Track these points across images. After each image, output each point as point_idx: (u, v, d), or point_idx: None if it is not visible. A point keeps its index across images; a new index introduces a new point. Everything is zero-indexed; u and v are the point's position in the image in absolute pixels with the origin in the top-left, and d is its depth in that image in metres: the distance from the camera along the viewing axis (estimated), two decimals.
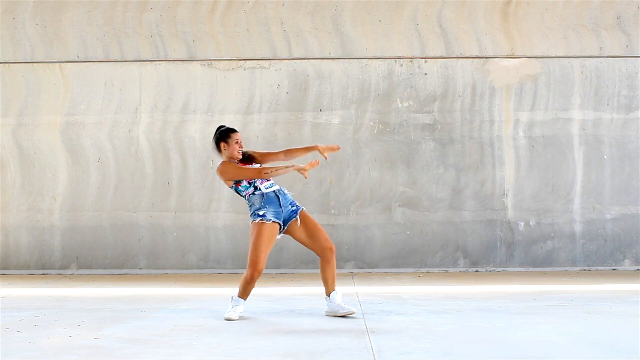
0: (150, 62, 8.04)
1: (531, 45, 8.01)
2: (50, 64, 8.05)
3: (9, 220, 8.02)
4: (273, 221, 4.91)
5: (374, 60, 8.03)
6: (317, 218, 7.93)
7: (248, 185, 4.99)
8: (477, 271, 7.87)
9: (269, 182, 5.00)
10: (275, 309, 5.40)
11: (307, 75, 8.02)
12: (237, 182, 5.00)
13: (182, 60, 8.05)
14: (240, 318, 4.97)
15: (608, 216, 7.95)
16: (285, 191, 5.09)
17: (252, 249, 4.87)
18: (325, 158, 5.17)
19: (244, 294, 5.01)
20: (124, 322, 4.82)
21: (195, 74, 8.04)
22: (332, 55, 8.02)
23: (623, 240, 7.94)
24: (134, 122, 8.03)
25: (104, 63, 8.06)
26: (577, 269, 7.91)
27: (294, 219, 5.01)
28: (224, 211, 7.97)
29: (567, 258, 7.93)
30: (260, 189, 4.97)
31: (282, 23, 8.02)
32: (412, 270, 7.90)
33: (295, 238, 5.10)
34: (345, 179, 7.97)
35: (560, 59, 8.01)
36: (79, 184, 8.02)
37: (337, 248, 7.88)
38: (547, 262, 7.92)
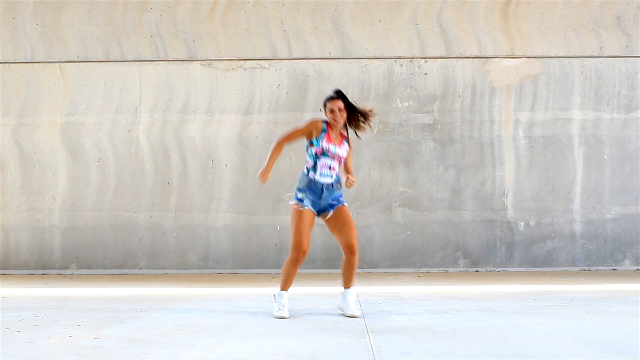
0: (150, 62, 8.05)
1: (531, 45, 8.01)
2: (50, 64, 8.05)
3: (9, 220, 8.02)
4: (309, 208, 4.95)
5: (374, 60, 8.03)
6: (316, 218, 7.94)
7: (314, 156, 4.97)
8: (477, 271, 7.87)
9: (327, 172, 4.97)
10: None
11: (307, 75, 8.02)
12: (311, 144, 4.98)
13: (182, 60, 8.05)
14: (239, 320, 4.97)
15: (608, 216, 7.95)
16: (338, 186, 5.02)
17: (294, 233, 4.91)
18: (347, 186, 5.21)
19: (285, 284, 5.00)
20: (124, 322, 4.82)
21: (195, 74, 8.04)
22: (332, 55, 8.02)
23: (623, 240, 7.94)
24: (134, 122, 8.03)
25: (104, 63, 8.06)
26: (577, 269, 7.91)
27: (328, 212, 5.00)
28: (224, 211, 7.97)
29: (567, 258, 7.93)
30: (316, 172, 4.96)
31: (282, 23, 8.02)
32: (412, 270, 7.90)
33: (328, 229, 5.11)
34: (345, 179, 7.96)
35: (560, 59, 8.01)
36: (79, 184, 8.02)
37: (337, 248, 7.88)
38: (547, 262, 7.92)
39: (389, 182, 7.98)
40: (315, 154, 4.96)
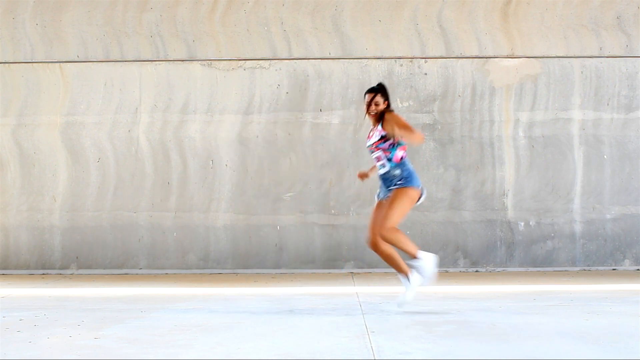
0: (150, 62, 8.05)
1: (531, 45, 8.01)
2: (50, 64, 8.05)
3: (9, 220, 8.02)
4: (379, 199, 5.30)
5: (374, 60, 8.03)
6: (317, 218, 7.95)
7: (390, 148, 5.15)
8: (477, 271, 7.87)
9: (381, 162, 5.18)
10: (275, 309, 5.40)
11: (307, 75, 8.02)
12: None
13: (182, 60, 8.05)
14: (239, 320, 4.96)
15: (608, 216, 7.95)
16: (395, 172, 5.14)
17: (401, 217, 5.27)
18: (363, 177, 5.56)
19: (411, 249, 5.27)
20: (124, 322, 4.82)
21: (195, 74, 8.04)
22: (332, 55, 8.02)
23: (623, 240, 7.94)
24: (134, 122, 8.03)
25: (104, 63, 8.06)
26: (577, 269, 7.91)
27: (385, 197, 5.26)
28: (224, 211, 7.97)
29: (567, 258, 7.93)
30: (381, 166, 5.21)
31: (282, 23, 8.02)
32: None
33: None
34: (345, 179, 7.97)
35: (560, 59, 8.01)
36: (79, 184, 8.02)
37: (337, 248, 7.89)
38: (547, 262, 7.92)
39: None
40: (391, 145, 5.17)
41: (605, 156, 7.99)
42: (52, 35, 8.05)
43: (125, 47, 8.05)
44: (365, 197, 7.95)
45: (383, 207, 5.26)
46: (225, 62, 8.05)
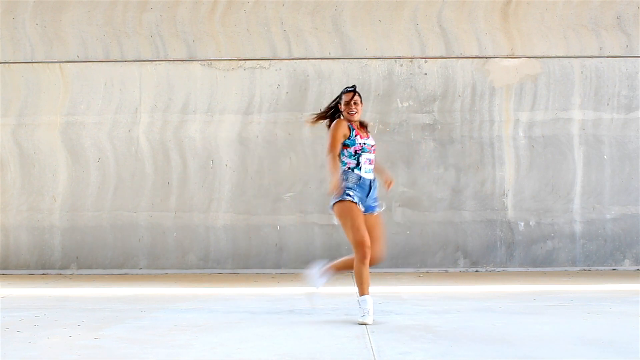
0: (150, 62, 8.04)
1: (531, 45, 8.01)
2: (50, 64, 8.05)
3: (9, 220, 8.02)
4: (359, 204, 4.80)
5: (374, 60, 8.03)
6: (317, 218, 7.96)
7: (354, 154, 4.85)
8: (477, 271, 7.87)
9: (369, 167, 4.87)
10: (275, 309, 5.40)
11: (307, 75, 8.02)
12: (345, 145, 4.86)
13: (182, 60, 8.05)
14: (239, 320, 4.96)
15: (608, 216, 7.95)
16: (376, 184, 4.95)
17: (353, 231, 4.71)
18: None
19: (363, 287, 4.71)
20: (124, 322, 4.82)
21: (195, 74, 8.04)
22: (332, 55, 8.02)
23: (623, 240, 7.94)
24: (134, 122, 8.03)
25: (104, 63, 8.06)
26: (577, 269, 7.91)
27: (370, 212, 4.85)
28: (224, 211, 7.97)
29: (567, 258, 7.93)
30: (360, 169, 4.83)
31: (282, 23, 8.02)
32: (412, 270, 7.90)
33: None
34: None
35: (560, 59, 8.01)
36: (79, 184, 8.02)
37: (337, 248, 7.89)
38: (547, 262, 7.92)
39: None
40: (355, 152, 4.85)
41: (605, 156, 7.99)
42: (52, 35, 8.04)
43: (125, 47, 8.05)
44: None
45: (375, 224, 4.87)
46: (225, 62, 8.05)
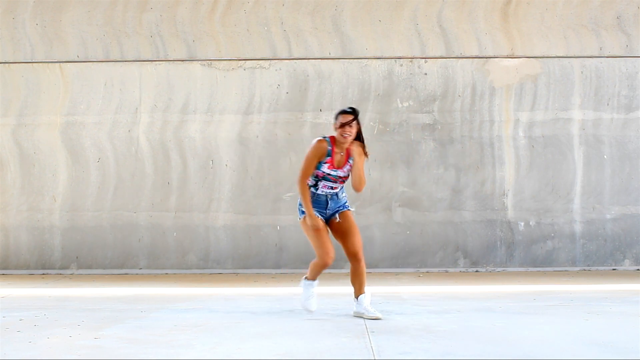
0: (150, 62, 8.04)
1: (531, 45, 8.01)
2: (50, 64, 8.05)
3: (9, 220, 8.02)
4: (318, 217, 4.90)
5: (374, 60, 8.03)
6: None
7: (316, 177, 4.87)
8: (477, 271, 7.87)
9: (329, 190, 4.88)
10: (275, 309, 5.41)
11: (307, 75, 8.02)
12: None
13: (182, 60, 8.05)
14: (239, 320, 4.96)
15: (608, 216, 7.95)
16: (341, 195, 4.97)
17: (316, 246, 4.91)
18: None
19: (313, 276, 5.08)
20: (124, 322, 4.82)
21: (195, 74, 8.04)
22: (332, 55, 8.02)
23: (623, 240, 7.94)
24: (134, 122, 8.03)
25: (104, 63, 8.06)
26: (577, 269, 7.91)
27: (334, 217, 4.95)
28: (224, 211, 7.97)
29: (567, 258, 7.93)
30: (317, 189, 4.90)
31: (282, 23, 8.02)
32: (412, 270, 7.90)
33: (332, 235, 5.03)
34: None
35: (560, 59, 8.01)
36: (79, 184, 8.02)
37: (337, 248, 7.86)
38: (547, 262, 7.92)
39: (389, 182, 7.98)
40: (317, 176, 4.88)
41: (605, 156, 7.99)
42: (52, 35, 8.04)
43: (125, 47, 8.05)
44: (365, 197, 7.95)
45: (340, 227, 4.91)
46: (225, 62, 8.05)
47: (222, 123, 8.01)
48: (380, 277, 7.43)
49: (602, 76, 8.01)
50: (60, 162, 8.03)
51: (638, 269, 7.90)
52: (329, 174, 4.86)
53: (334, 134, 4.89)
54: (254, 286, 6.85)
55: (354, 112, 4.86)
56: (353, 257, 4.97)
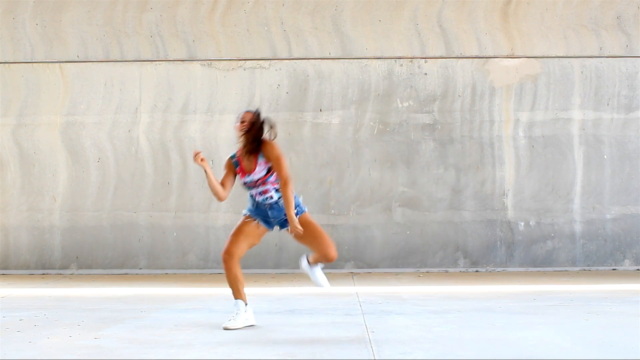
0: (150, 62, 8.04)
1: (531, 45, 8.01)
2: (50, 64, 8.05)
3: (9, 220, 8.02)
4: (257, 222, 4.74)
5: (374, 60, 8.03)
6: (317, 218, 7.92)
7: (247, 190, 4.79)
8: (477, 271, 7.87)
9: (263, 197, 4.71)
10: (275, 309, 5.41)
11: (307, 75, 8.02)
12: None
13: (182, 60, 8.05)
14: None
15: (608, 216, 7.95)
16: (282, 203, 4.70)
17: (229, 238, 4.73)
18: None
19: (232, 292, 4.73)
20: (124, 322, 4.82)
21: (195, 74, 8.04)
22: (332, 55, 8.02)
23: (623, 240, 7.94)
24: (134, 122, 8.03)
25: (104, 63, 8.06)
26: (577, 269, 7.91)
27: (287, 228, 4.72)
28: (224, 211, 7.97)
29: (567, 258, 7.93)
30: (254, 198, 4.76)
31: (282, 23, 8.02)
32: (412, 270, 7.90)
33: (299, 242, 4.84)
34: (345, 179, 7.97)
35: (560, 59, 8.01)
36: (79, 184, 8.02)
37: (337, 248, 7.85)
38: (547, 262, 7.92)
39: (389, 182, 7.98)
40: (243, 187, 4.80)
41: (605, 156, 7.99)
42: (52, 35, 8.04)
43: (125, 47, 8.05)
44: (365, 197, 7.95)
45: (303, 234, 4.65)
46: (225, 62, 8.05)
47: (222, 123, 8.01)
48: (380, 277, 7.43)
49: (602, 76, 8.01)
50: (60, 162, 8.03)
51: (638, 269, 7.90)
52: (246, 182, 4.75)
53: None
54: (254, 286, 6.85)
55: (255, 111, 4.87)
56: (329, 260, 4.75)
